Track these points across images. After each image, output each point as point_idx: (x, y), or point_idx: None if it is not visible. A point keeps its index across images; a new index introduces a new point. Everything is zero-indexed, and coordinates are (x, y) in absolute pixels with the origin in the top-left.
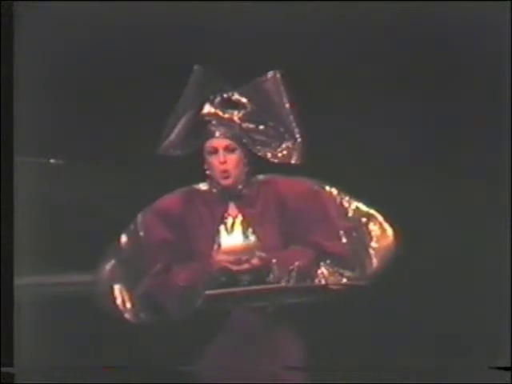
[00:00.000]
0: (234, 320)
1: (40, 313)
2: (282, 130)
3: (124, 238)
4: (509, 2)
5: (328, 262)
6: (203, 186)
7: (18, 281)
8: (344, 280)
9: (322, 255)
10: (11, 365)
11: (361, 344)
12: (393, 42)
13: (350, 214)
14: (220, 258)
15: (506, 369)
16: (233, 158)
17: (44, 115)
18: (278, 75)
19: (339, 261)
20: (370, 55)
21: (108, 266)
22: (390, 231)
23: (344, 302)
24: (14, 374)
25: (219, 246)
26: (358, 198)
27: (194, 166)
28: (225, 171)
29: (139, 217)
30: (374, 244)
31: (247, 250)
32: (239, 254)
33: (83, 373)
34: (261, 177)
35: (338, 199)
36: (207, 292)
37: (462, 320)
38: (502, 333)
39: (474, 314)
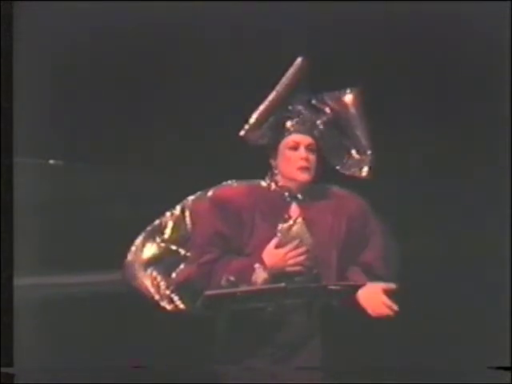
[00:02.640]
0: (234, 320)
1: (40, 313)
2: (355, 143)
3: (168, 221)
4: (509, 2)
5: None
6: (264, 183)
7: (17, 281)
8: (378, 284)
9: (370, 277)
10: (11, 365)
11: (361, 344)
12: (392, 41)
13: (380, 227)
14: (273, 256)
15: (505, 369)
16: (313, 157)
17: (44, 115)
18: (357, 92)
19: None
20: (369, 53)
21: (145, 248)
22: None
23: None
24: (14, 374)
25: (274, 244)
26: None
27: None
28: (306, 167)
29: (190, 202)
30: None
31: (300, 253)
32: (301, 251)
33: (83, 373)
34: (327, 185)
35: (379, 221)
36: (207, 292)
37: (462, 320)
38: (502, 333)
39: (474, 313)
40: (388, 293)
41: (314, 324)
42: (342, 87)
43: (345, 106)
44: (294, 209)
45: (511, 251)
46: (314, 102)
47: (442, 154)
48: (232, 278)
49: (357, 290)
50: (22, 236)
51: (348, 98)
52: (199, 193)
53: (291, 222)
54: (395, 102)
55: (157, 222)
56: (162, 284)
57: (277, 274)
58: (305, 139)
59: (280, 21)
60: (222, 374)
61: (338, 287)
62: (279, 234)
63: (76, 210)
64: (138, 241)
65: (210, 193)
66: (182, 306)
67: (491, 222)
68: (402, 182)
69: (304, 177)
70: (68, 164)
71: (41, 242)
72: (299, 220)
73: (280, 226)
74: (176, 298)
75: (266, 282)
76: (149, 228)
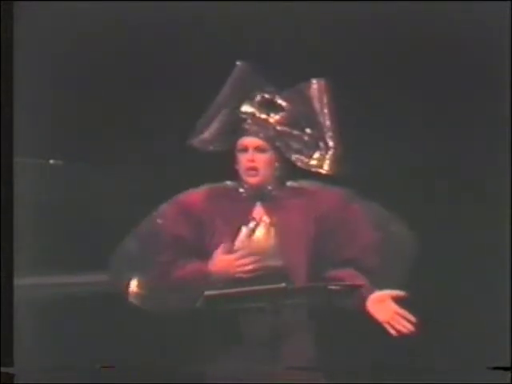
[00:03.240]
0: (234, 320)
1: (40, 313)
2: (317, 138)
3: (143, 224)
4: (509, 2)
5: (364, 274)
6: (230, 184)
7: (17, 281)
8: (385, 292)
9: (358, 270)
10: (11, 365)
11: (360, 344)
12: (392, 41)
13: (378, 223)
14: (220, 262)
15: (505, 369)
16: (262, 158)
17: (44, 115)
18: (323, 83)
19: (373, 273)
20: (368, 54)
21: (125, 251)
22: (412, 237)
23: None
24: (14, 374)
25: (234, 247)
26: (384, 207)
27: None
28: (252, 169)
29: (160, 208)
30: (403, 251)
31: (264, 256)
32: (252, 259)
33: (83, 373)
34: (294, 183)
35: (368, 211)
36: (206, 292)
37: (462, 320)
38: (502, 333)
39: (474, 313)
40: (397, 301)
41: (313, 324)
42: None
43: (307, 98)
44: (259, 210)
45: (511, 251)
46: (270, 99)
47: (442, 153)
48: (190, 278)
49: (357, 290)
50: (21, 236)
51: (311, 89)
52: (169, 199)
53: (253, 224)
54: (395, 103)
55: (135, 228)
56: (138, 287)
57: (227, 280)
58: (253, 141)
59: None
60: (221, 374)
61: (337, 287)
62: (242, 236)
63: (76, 209)
64: (120, 247)
65: (177, 197)
66: (152, 308)
67: (491, 222)
68: (402, 182)
69: (252, 180)
70: (68, 164)
71: (41, 242)
72: (263, 222)
73: (244, 228)
74: (147, 300)
75: (216, 286)
76: (130, 233)
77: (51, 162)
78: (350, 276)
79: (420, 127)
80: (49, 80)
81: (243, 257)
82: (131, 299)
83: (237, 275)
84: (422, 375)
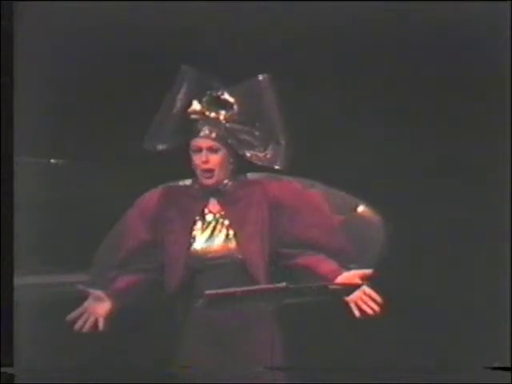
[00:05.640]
0: (225, 320)
1: (40, 313)
2: (267, 133)
3: (114, 231)
4: (509, 2)
5: (331, 257)
6: (188, 182)
7: (18, 281)
8: (351, 272)
9: (324, 252)
10: (11, 365)
11: (360, 344)
12: (392, 42)
13: (342, 207)
14: (193, 252)
15: (505, 369)
16: (216, 158)
17: (44, 115)
18: (268, 78)
19: (342, 255)
20: (368, 55)
21: (98, 261)
22: (379, 219)
23: (343, 302)
24: (14, 374)
25: (194, 242)
26: (346, 192)
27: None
28: (207, 171)
29: (127, 212)
30: (369, 233)
31: (223, 249)
32: (214, 252)
33: (83, 373)
34: (248, 175)
35: (327, 195)
36: (207, 292)
37: (462, 320)
38: (502, 333)
39: (474, 313)
40: (366, 280)
41: (313, 323)
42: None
43: (255, 94)
44: (214, 205)
45: (511, 251)
46: (217, 97)
47: (442, 153)
48: (157, 274)
49: (357, 290)
50: (21, 236)
51: (258, 85)
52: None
53: (211, 216)
54: (394, 103)
55: (109, 234)
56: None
57: (199, 272)
58: (205, 142)
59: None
60: (221, 374)
61: (338, 287)
62: (199, 231)
63: (76, 209)
64: (97, 253)
65: (137, 200)
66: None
67: (491, 222)
68: (402, 182)
69: (208, 181)
70: (68, 164)
71: (41, 242)
72: (219, 214)
73: (200, 223)
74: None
75: (189, 278)
76: (104, 241)
77: (51, 161)
78: (316, 261)
79: (402, 125)
80: (49, 80)
81: (202, 250)
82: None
83: (196, 267)
84: (422, 375)
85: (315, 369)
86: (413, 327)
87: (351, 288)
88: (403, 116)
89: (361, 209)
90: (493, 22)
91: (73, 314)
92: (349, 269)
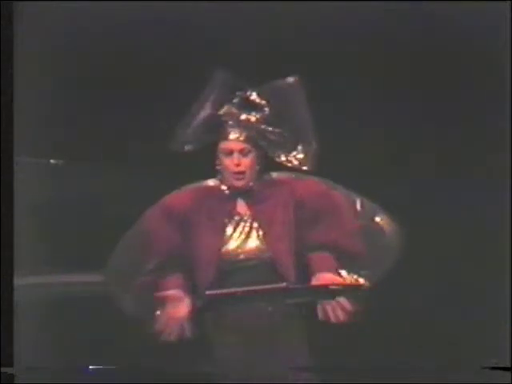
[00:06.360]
0: (235, 320)
1: (40, 313)
2: (297, 134)
3: (132, 232)
4: (509, 2)
5: (346, 261)
6: (211, 182)
7: (18, 281)
8: (361, 279)
9: (339, 255)
10: (11, 365)
11: (361, 344)
12: (392, 42)
13: (362, 213)
14: (226, 253)
15: (505, 369)
16: (247, 161)
17: (44, 115)
18: (298, 80)
19: (357, 260)
20: (368, 55)
21: (117, 263)
22: (397, 230)
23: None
24: (14, 374)
25: (225, 245)
26: (368, 199)
27: (201, 162)
28: (239, 173)
29: (147, 213)
30: (384, 242)
31: (253, 250)
32: (244, 253)
33: (83, 373)
34: (274, 175)
35: (350, 199)
36: (207, 292)
37: (462, 320)
38: (502, 333)
39: (474, 313)
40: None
41: (313, 324)
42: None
43: (285, 95)
44: (241, 205)
45: (511, 251)
46: (248, 99)
47: (442, 153)
48: (189, 275)
49: (358, 290)
50: (22, 236)
51: (287, 88)
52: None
53: (238, 218)
54: (394, 102)
55: (126, 235)
56: (130, 296)
57: (231, 273)
58: (237, 145)
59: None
60: (221, 374)
61: (338, 287)
62: (229, 232)
63: (76, 209)
64: (114, 254)
65: (161, 201)
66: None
67: (491, 222)
68: (402, 182)
69: (239, 183)
70: (68, 164)
71: (41, 242)
72: (247, 215)
73: (230, 224)
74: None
75: (220, 279)
76: (121, 241)
77: (51, 161)
78: (324, 258)
79: (402, 125)
80: (49, 80)
81: (232, 251)
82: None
83: (228, 269)
84: (422, 375)
85: (315, 369)
86: (413, 327)
87: (353, 288)
88: (402, 117)
89: (379, 218)
90: (493, 22)
91: (158, 325)
92: (359, 274)
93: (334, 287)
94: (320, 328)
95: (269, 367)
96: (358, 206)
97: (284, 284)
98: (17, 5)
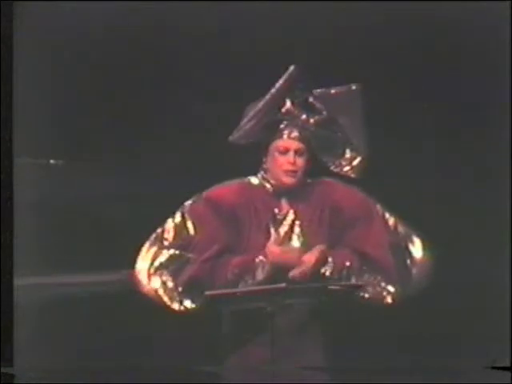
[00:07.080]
0: (234, 320)
1: (40, 313)
2: (349, 142)
3: (169, 226)
4: (509, 2)
5: (372, 273)
6: (254, 180)
7: (18, 281)
8: (385, 294)
9: (367, 265)
10: (11, 365)
11: (361, 344)
12: (392, 42)
13: (394, 229)
14: (274, 250)
15: (505, 369)
16: (301, 161)
17: (44, 115)
18: (360, 88)
19: (384, 274)
20: (369, 55)
21: (149, 254)
22: (427, 252)
23: (343, 302)
24: (14, 374)
25: (272, 239)
26: (400, 216)
27: (201, 162)
28: (292, 171)
29: (187, 206)
30: (413, 261)
31: (298, 249)
32: (291, 250)
33: (83, 373)
34: (318, 177)
35: (385, 214)
36: (207, 292)
37: (462, 320)
38: (502, 333)
39: (474, 313)
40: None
41: (313, 324)
42: (341, 84)
43: (343, 103)
44: (285, 204)
45: (511, 251)
46: (309, 100)
47: (442, 153)
48: (236, 271)
49: (358, 290)
50: (22, 236)
51: (347, 94)
52: (194, 197)
53: (282, 216)
54: (395, 102)
55: (159, 229)
56: (171, 287)
57: (278, 269)
58: (294, 144)
59: (276, 25)
60: (221, 374)
61: (338, 287)
62: (274, 229)
63: (76, 209)
64: (144, 249)
65: (203, 195)
66: (190, 306)
67: (491, 222)
68: (402, 182)
69: (290, 180)
70: (68, 164)
71: (41, 242)
72: (290, 214)
73: (273, 222)
74: (184, 299)
75: (268, 276)
76: (153, 236)
77: (51, 161)
78: (344, 256)
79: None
80: (49, 80)
81: (289, 249)
82: (169, 303)
83: (284, 265)
84: (422, 375)
85: (315, 369)
86: (413, 327)
87: (353, 288)
88: (403, 118)
89: (413, 241)
90: (493, 22)
91: None
92: (384, 290)
93: (333, 288)
94: (320, 328)
95: (269, 367)
96: (392, 224)
97: (284, 284)
98: (17, 5)
